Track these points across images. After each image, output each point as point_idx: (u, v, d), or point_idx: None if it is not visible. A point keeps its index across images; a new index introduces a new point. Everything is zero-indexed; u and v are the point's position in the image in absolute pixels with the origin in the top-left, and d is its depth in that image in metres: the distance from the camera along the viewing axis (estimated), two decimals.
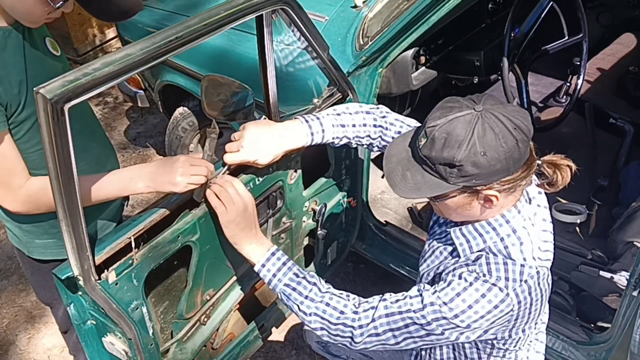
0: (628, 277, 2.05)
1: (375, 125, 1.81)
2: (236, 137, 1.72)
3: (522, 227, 1.49)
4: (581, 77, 3.07)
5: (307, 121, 1.76)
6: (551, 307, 2.32)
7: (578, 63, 3.07)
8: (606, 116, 3.15)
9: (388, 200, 3.00)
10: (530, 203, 1.56)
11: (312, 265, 2.44)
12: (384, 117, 1.83)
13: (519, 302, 1.45)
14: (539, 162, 1.48)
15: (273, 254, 1.66)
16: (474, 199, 1.44)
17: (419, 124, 1.79)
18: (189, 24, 1.43)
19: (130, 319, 1.59)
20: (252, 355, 2.30)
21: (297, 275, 1.64)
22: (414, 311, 1.49)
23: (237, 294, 2.00)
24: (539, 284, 1.48)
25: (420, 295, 1.51)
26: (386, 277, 3.01)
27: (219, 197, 1.64)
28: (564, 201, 2.73)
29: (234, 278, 1.96)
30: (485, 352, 1.63)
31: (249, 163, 1.73)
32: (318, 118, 1.78)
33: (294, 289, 1.63)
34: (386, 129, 1.81)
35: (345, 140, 1.82)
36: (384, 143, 1.83)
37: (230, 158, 1.71)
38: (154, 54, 1.35)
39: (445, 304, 1.46)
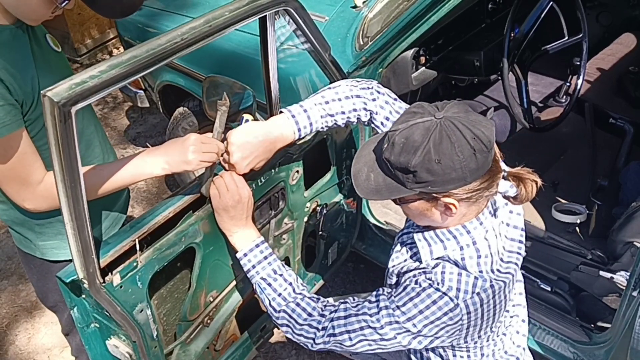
0: (628, 277, 2.06)
1: (365, 109, 1.80)
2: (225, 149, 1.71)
3: (483, 239, 1.51)
4: (581, 77, 3.07)
5: (293, 116, 1.74)
6: (551, 307, 2.34)
7: (578, 63, 3.07)
8: (606, 116, 3.15)
9: (388, 200, 2.99)
10: (495, 213, 1.56)
11: (313, 265, 2.45)
12: (374, 99, 1.79)
13: (469, 313, 1.47)
14: (505, 173, 1.48)
15: (257, 245, 1.71)
16: (434, 205, 1.45)
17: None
18: (194, 26, 1.43)
19: (134, 321, 1.59)
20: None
21: (275, 272, 1.69)
22: (370, 315, 1.54)
23: (240, 296, 2.01)
24: (492, 297, 1.50)
25: (377, 300, 1.55)
26: None
27: (215, 184, 1.68)
28: (564, 201, 2.74)
29: (237, 279, 1.96)
30: (448, 349, 1.65)
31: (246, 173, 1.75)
32: (305, 110, 1.75)
33: (269, 284, 1.68)
34: (376, 113, 1.79)
35: (334, 127, 1.83)
36: (373, 125, 1.82)
37: (228, 168, 1.74)
38: (159, 55, 1.35)
39: (398, 307, 1.49)
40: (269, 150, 1.73)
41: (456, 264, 1.49)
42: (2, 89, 1.50)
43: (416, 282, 1.50)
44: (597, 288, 2.35)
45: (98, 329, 1.66)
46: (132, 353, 1.66)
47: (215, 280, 1.87)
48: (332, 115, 1.77)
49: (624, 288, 2.07)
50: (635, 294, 1.92)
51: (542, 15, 2.85)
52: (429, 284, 1.48)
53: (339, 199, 2.39)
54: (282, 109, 1.77)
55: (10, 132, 1.53)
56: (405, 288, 1.51)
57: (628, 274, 2.18)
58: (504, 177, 1.48)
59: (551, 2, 2.86)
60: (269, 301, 1.68)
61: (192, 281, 1.79)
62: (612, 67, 3.51)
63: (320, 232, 2.32)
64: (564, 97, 3.31)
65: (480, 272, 1.49)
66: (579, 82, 3.08)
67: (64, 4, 1.56)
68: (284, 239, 2.14)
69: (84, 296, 1.55)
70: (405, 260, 1.64)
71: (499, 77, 2.97)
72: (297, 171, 2.04)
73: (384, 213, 2.88)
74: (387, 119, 1.78)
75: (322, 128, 1.79)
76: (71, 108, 1.21)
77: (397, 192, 1.42)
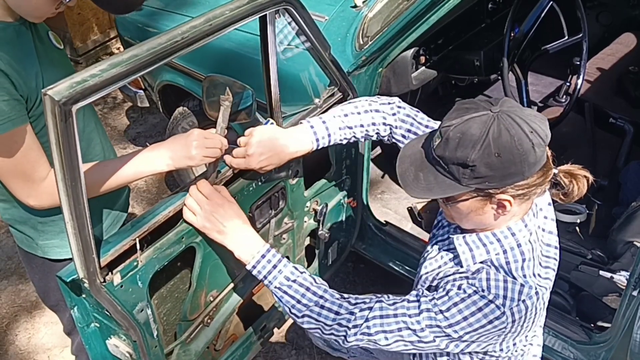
0: (628, 277, 2.05)
1: (384, 124, 1.79)
2: (242, 142, 1.72)
3: (527, 242, 1.48)
4: (581, 76, 3.08)
5: (312, 127, 1.75)
6: (551, 307, 2.34)
7: (578, 63, 3.07)
8: (606, 116, 3.15)
9: (388, 200, 3.00)
10: (536, 216, 1.54)
11: (313, 265, 2.45)
12: (394, 114, 1.79)
13: (514, 321, 1.44)
14: (555, 171, 1.45)
15: (263, 255, 1.64)
16: (487, 203, 1.41)
17: (431, 121, 1.78)
18: (195, 24, 1.43)
19: (135, 321, 1.58)
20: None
21: (288, 279, 1.62)
22: (409, 316, 1.49)
23: (240, 295, 2.00)
24: (536, 303, 1.47)
25: (418, 300, 1.50)
26: (386, 277, 3.01)
27: (187, 205, 1.67)
28: None
29: (238, 279, 1.96)
30: (477, 357, 1.63)
31: (254, 170, 1.76)
32: (324, 122, 1.76)
33: (285, 292, 1.62)
34: (396, 127, 1.79)
35: (353, 140, 1.82)
36: (393, 140, 1.82)
37: (235, 163, 1.74)
38: (160, 54, 1.35)
39: (441, 312, 1.45)
40: (281, 158, 1.75)
41: (499, 269, 1.47)
42: (7, 84, 1.50)
43: (459, 288, 1.46)
44: (597, 288, 2.35)
45: (98, 329, 1.66)
46: (132, 353, 1.65)
47: (216, 280, 1.87)
48: (350, 128, 1.77)
49: (624, 288, 2.07)
50: (635, 293, 1.92)
51: (542, 14, 2.85)
52: (474, 291, 1.44)
53: (339, 199, 2.40)
54: (302, 120, 1.78)
55: (15, 127, 1.53)
56: (448, 292, 1.47)
57: (628, 273, 2.18)
58: (554, 175, 1.45)
59: (551, 2, 2.87)
60: (289, 309, 1.63)
61: (192, 281, 1.79)
62: (612, 66, 3.51)
63: (320, 232, 2.32)
64: (564, 96, 3.31)
65: (525, 276, 1.46)
66: (579, 81, 3.08)
67: (68, 0, 1.56)
68: (284, 238, 2.14)
69: (84, 296, 1.55)
70: (440, 267, 1.60)
71: (499, 77, 2.97)
72: (297, 170, 2.04)
73: (384, 213, 2.89)
74: (409, 131, 1.77)
75: (341, 140, 1.79)
76: (72, 107, 1.21)
77: (450, 189, 1.39)
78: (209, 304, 1.89)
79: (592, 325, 2.27)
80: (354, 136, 1.79)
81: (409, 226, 2.87)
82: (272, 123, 1.85)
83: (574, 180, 1.46)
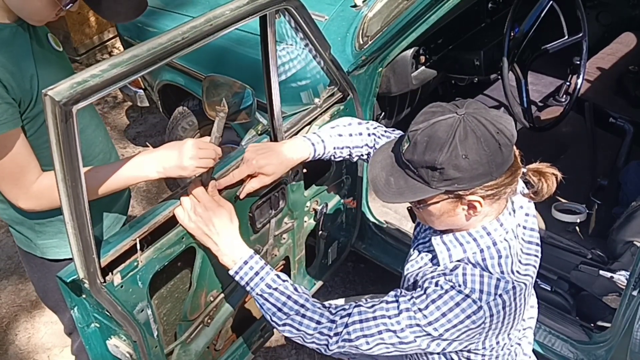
0: (628, 277, 2.06)
1: (369, 134, 1.86)
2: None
3: (502, 240, 1.50)
4: (581, 76, 3.08)
5: (305, 136, 1.84)
6: (551, 307, 2.34)
7: (578, 62, 3.07)
8: (606, 115, 3.15)
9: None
10: (514, 214, 1.55)
11: (313, 265, 2.45)
12: (375, 127, 1.89)
13: (492, 315, 1.45)
14: (524, 170, 1.47)
15: (246, 262, 1.63)
16: (458, 204, 1.43)
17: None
18: (195, 25, 1.43)
19: (135, 321, 1.59)
20: None
21: (270, 286, 1.62)
22: (389, 317, 1.50)
23: (240, 295, 2.00)
24: (514, 299, 1.48)
25: (397, 301, 1.51)
26: (386, 277, 3.01)
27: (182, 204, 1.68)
28: (564, 201, 2.74)
29: None
30: (463, 357, 1.62)
31: (255, 174, 1.78)
32: (314, 133, 1.86)
33: (266, 300, 1.62)
34: (379, 137, 1.85)
35: (346, 151, 1.87)
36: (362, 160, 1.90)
37: (238, 174, 1.76)
38: (160, 54, 1.35)
39: (420, 310, 1.46)
40: (282, 158, 1.81)
41: (476, 265, 1.48)
42: None
43: (436, 285, 1.47)
44: (597, 287, 2.35)
45: (98, 329, 1.66)
46: (132, 353, 1.65)
47: (216, 280, 1.87)
48: (340, 135, 1.88)
49: (624, 287, 2.08)
50: (635, 293, 1.92)
51: (542, 14, 2.85)
52: (451, 286, 1.45)
53: (339, 198, 2.39)
54: (295, 137, 1.88)
55: (6, 131, 1.52)
56: (425, 290, 1.48)
57: (628, 273, 2.18)
58: (523, 174, 1.47)
59: (551, 2, 2.86)
60: (270, 316, 1.62)
61: (193, 281, 1.79)
62: (612, 66, 3.51)
63: (320, 232, 2.32)
64: (564, 96, 3.31)
65: (502, 272, 1.47)
66: (579, 81, 3.09)
67: (68, 6, 1.56)
68: (284, 238, 2.14)
69: (84, 296, 1.55)
70: (420, 267, 1.61)
71: (499, 77, 2.97)
72: (297, 171, 2.04)
73: (384, 212, 2.88)
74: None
75: (334, 149, 1.87)
76: (72, 107, 1.21)
77: (421, 192, 1.41)
78: (209, 304, 1.89)
79: (592, 325, 2.27)
80: (346, 145, 1.88)
81: (409, 226, 2.86)
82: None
83: (543, 179, 1.48)
